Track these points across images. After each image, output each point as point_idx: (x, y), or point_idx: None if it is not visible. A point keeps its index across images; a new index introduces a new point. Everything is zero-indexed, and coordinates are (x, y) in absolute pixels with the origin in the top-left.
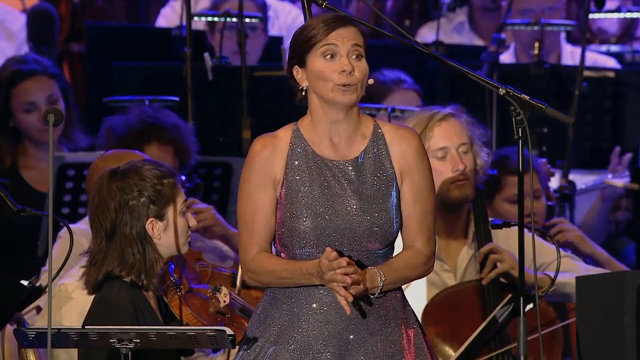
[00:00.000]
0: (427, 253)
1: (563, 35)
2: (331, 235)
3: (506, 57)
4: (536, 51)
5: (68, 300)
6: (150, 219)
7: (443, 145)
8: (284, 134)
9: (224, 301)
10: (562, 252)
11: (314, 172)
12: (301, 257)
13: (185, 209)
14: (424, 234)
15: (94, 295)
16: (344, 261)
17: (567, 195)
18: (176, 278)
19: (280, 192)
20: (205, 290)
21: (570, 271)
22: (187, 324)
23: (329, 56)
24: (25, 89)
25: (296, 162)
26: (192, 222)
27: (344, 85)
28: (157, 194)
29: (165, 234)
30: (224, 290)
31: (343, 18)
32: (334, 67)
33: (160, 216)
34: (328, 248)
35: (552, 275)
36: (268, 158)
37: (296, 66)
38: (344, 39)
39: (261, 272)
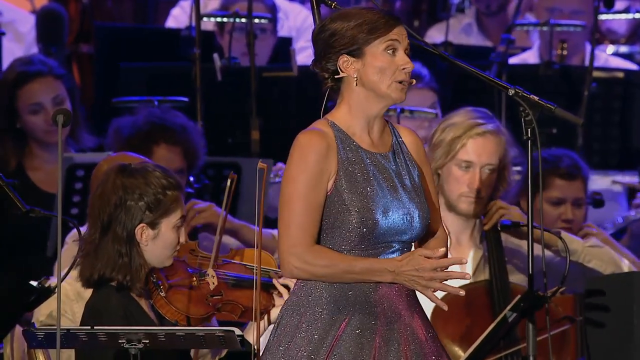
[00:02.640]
0: (446, 239)
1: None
2: (386, 228)
3: (530, 56)
4: (559, 51)
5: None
6: (141, 225)
7: (470, 160)
8: (325, 127)
9: (213, 283)
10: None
11: (364, 165)
12: (351, 252)
13: (180, 225)
14: (439, 222)
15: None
16: (460, 259)
17: (598, 201)
18: (155, 278)
19: (334, 185)
20: (190, 280)
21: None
22: (176, 322)
23: (391, 51)
24: (31, 90)
25: (349, 155)
26: (183, 238)
27: (401, 82)
28: (156, 202)
29: (153, 243)
30: (211, 272)
31: (398, 16)
32: (396, 63)
33: (153, 224)
34: (421, 249)
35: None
36: (324, 152)
37: (345, 55)
38: (403, 37)
39: (320, 264)
